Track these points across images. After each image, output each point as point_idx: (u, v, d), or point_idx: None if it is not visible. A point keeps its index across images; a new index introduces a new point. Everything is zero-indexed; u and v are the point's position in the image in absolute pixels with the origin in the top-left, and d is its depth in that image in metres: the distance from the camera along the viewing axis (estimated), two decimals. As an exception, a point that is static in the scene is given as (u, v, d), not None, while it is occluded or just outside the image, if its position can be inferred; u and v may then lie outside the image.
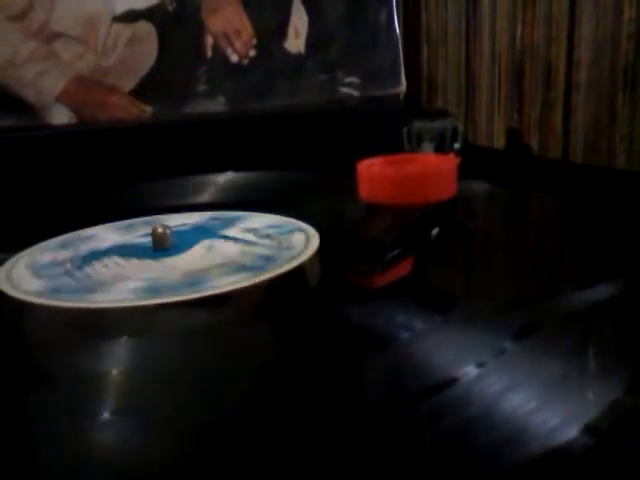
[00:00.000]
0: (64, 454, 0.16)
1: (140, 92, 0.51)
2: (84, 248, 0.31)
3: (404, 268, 0.24)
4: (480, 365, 0.18)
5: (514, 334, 0.20)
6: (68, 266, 0.28)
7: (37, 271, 0.28)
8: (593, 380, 0.17)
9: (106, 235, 0.33)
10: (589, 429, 0.15)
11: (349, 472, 0.14)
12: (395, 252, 0.23)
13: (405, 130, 0.36)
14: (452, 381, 0.17)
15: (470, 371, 0.18)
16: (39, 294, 0.25)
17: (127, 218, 0.35)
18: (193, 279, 0.25)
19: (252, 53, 0.54)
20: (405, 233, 0.24)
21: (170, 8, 0.51)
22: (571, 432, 0.15)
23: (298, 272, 0.26)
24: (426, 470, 0.14)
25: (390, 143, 0.52)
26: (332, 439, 0.15)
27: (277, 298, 0.25)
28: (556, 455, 0.14)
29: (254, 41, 0.54)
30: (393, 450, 0.15)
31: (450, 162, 0.26)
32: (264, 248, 0.29)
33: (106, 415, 0.17)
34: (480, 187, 0.39)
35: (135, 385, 0.19)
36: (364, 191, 0.27)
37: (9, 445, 0.16)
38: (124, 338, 0.22)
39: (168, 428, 0.16)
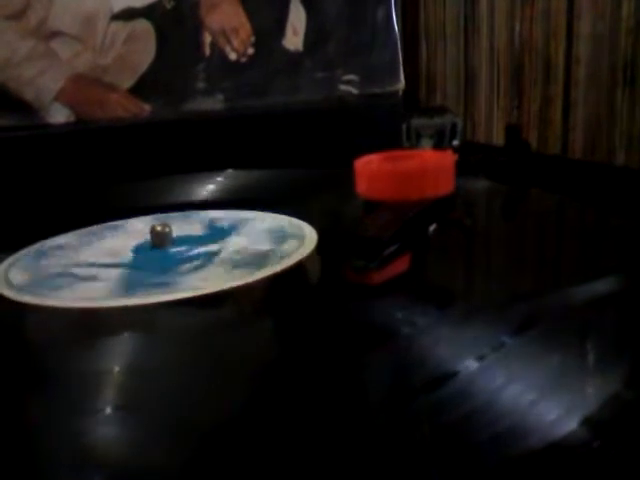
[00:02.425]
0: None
1: (138, 90, 0.51)
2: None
3: (402, 264, 0.24)
4: (479, 359, 0.18)
5: (513, 328, 0.20)
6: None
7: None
8: (592, 374, 0.17)
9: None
10: (588, 422, 0.15)
11: (350, 467, 0.14)
12: (393, 248, 0.23)
13: (404, 127, 0.35)
14: (451, 375, 0.17)
15: (469, 365, 0.18)
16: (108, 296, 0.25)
17: (124, 217, 0.35)
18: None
19: (250, 51, 0.54)
20: (403, 229, 0.24)
21: (168, 6, 0.51)
22: (570, 425, 0.15)
23: (296, 270, 0.26)
24: (427, 464, 0.14)
25: (389, 140, 0.52)
26: (333, 435, 0.15)
27: (275, 296, 0.25)
28: (555, 448, 0.14)
29: (252, 39, 0.54)
30: (394, 444, 0.15)
31: (448, 158, 0.26)
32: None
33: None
34: (479, 183, 0.39)
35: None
36: (362, 187, 0.27)
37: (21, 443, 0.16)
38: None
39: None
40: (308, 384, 0.18)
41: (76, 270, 0.28)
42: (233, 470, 0.15)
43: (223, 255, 0.28)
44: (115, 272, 0.27)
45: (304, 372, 0.19)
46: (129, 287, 0.25)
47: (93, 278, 0.27)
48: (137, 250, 0.30)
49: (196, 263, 0.27)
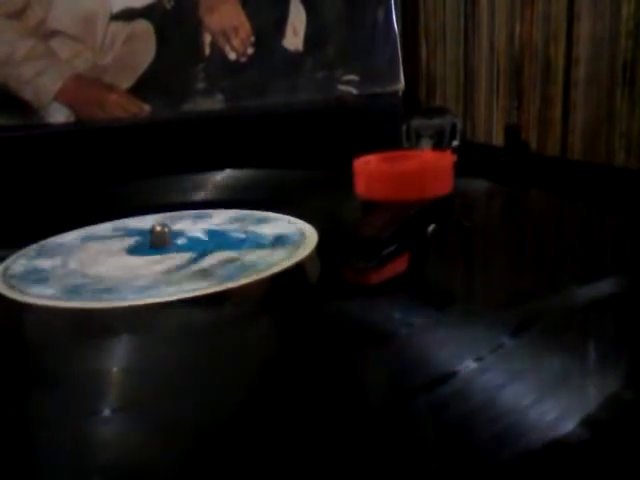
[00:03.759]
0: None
1: (138, 90, 0.51)
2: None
3: (400, 265, 0.24)
4: (478, 360, 0.18)
5: (512, 329, 0.20)
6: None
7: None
8: (591, 374, 0.17)
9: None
10: (587, 422, 0.15)
11: (348, 467, 0.14)
12: (391, 248, 0.23)
13: (404, 127, 0.36)
14: (450, 376, 0.17)
15: (468, 366, 0.18)
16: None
17: (124, 217, 0.35)
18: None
19: (250, 51, 0.54)
20: (401, 229, 0.24)
21: (168, 6, 0.51)
22: (569, 425, 0.15)
23: (295, 270, 0.26)
24: (426, 463, 0.14)
25: (389, 140, 0.52)
26: (331, 435, 0.15)
27: (275, 296, 0.25)
28: (554, 448, 0.14)
29: (252, 39, 0.54)
30: (393, 444, 0.15)
31: (446, 159, 0.26)
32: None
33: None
34: (479, 184, 0.39)
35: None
36: (361, 188, 0.27)
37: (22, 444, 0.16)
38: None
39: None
40: (306, 385, 0.18)
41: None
42: (231, 471, 0.15)
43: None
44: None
45: (302, 373, 0.19)
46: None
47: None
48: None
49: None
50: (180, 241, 0.30)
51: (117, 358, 0.21)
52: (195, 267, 0.26)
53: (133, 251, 0.29)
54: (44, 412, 0.17)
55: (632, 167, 0.53)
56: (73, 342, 0.22)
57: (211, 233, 0.31)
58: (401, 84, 0.60)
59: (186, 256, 0.28)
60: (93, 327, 0.23)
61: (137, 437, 0.16)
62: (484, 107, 0.68)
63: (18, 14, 0.47)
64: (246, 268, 0.26)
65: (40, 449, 0.16)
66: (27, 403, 0.18)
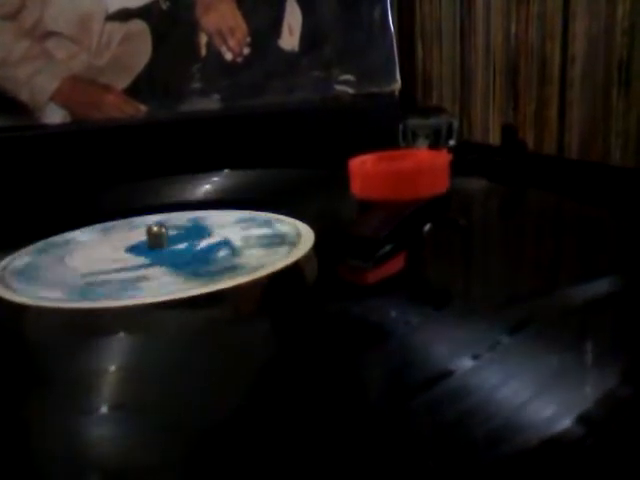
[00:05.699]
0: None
1: (134, 91, 0.51)
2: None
3: (397, 264, 0.24)
4: (474, 358, 0.18)
5: (509, 327, 0.20)
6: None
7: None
8: (587, 371, 0.17)
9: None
10: (583, 419, 0.15)
11: (346, 466, 0.14)
12: (388, 248, 0.23)
13: (400, 127, 0.36)
14: (446, 374, 0.17)
15: (465, 364, 0.18)
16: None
17: (122, 218, 0.35)
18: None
19: (246, 51, 0.54)
20: (398, 229, 0.24)
21: (164, 6, 0.51)
22: (565, 422, 0.15)
23: (292, 269, 0.26)
24: (422, 462, 0.14)
25: (385, 140, 0.52)
26: (329, 435, 0.15)
27: (271, 296, 0.25)
28: (550, 445, 0.14)
29: (248, 39, 0.54)
30: (390, 443, 0.15)
31: (442, 158, 0.26)
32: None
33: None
34: (475, 183, 0.39)
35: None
36: (356, 187, 0.27)
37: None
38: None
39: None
40: (303, 384, 0.18)
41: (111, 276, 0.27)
42: (231, 471, 0.15)
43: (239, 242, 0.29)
44: (158, 270, 0.27)
45: (298, 373, 0.19)
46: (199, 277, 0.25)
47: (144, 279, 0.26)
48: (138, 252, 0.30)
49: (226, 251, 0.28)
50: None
51: (110, 358, 0.21)
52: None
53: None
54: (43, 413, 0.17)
55: (629, 165, 0.53)
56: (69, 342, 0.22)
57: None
58: (397, 84, 0.60)
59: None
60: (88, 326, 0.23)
61: (135, 438, 0.16)
62: (480, 106, 0.68)
63: (13, 15, 0.47)
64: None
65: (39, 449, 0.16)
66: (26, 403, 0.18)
